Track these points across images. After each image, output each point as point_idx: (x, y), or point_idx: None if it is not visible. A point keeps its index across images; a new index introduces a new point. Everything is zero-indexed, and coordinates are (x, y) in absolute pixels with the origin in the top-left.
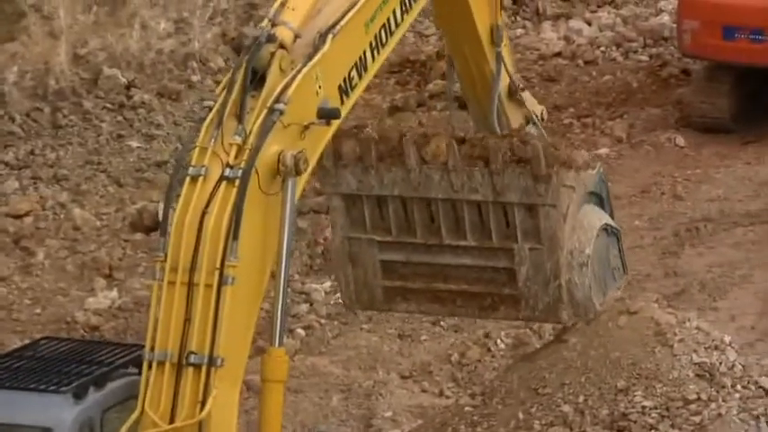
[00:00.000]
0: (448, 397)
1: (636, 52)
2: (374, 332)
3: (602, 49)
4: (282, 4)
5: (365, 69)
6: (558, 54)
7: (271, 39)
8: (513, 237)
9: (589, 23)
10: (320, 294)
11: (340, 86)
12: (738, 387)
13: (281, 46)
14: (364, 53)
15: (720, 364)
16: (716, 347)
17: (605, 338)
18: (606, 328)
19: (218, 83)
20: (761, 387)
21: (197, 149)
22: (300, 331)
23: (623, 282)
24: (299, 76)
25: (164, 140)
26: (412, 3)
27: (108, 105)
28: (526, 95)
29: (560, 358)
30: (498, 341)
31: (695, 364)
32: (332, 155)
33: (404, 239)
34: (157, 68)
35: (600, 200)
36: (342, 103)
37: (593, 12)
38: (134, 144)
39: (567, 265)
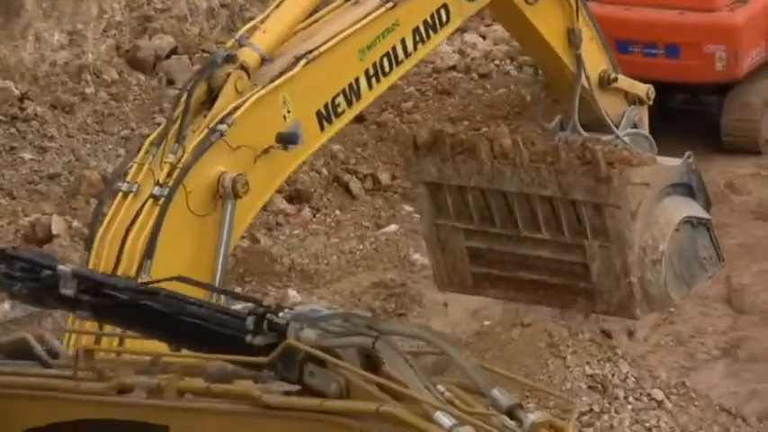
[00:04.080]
0: None
1: (530, 65)
2: None
3: (497, 62)
4: (256, 27)
5: (357, 97)
6: (453, 67)
7: (230, 59)
8: (584, 233)
9: (484, 37)
10: None
11: (319, 112)
12: (631, 399)
13: (243, 67)
14: (357, 80)
15: (613, 375)
16: (608, 359)
17: (499, 350)
18: (499, 340)
19: (111, 95)
20: (653, 399)
21: (135, 166)
22: None
23: (717, 270)
24: (252, 99)
25: (57, 153)
26: (430, 34)
27: (1, 117)
28: (624, 80)
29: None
30: None
31: (588, 375)
32: (411, 144)
33: (486, 229)
34: (51, 80)
35: (690, 190)
36: (322, 129)
37: (487, 25)
38: (27, 156)
39: (639, 263)
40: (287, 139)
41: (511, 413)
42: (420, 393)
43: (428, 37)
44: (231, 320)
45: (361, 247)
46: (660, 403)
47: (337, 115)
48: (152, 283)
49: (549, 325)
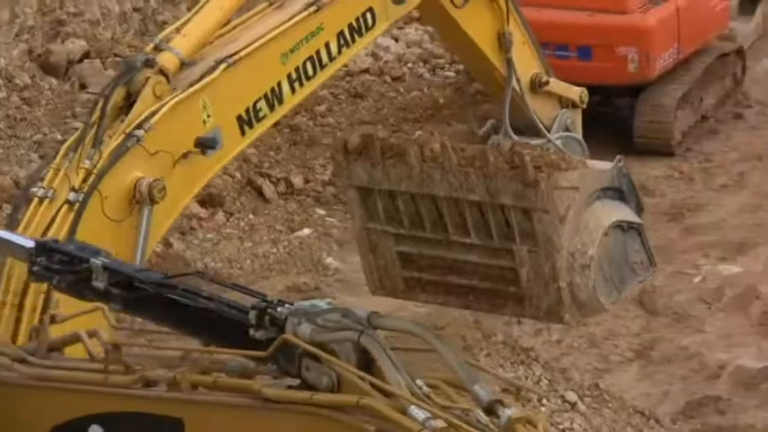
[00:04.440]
0: None
1: (443, 68)
2: None
3: (410, 65)
4: (177, 30)
5: (279, 101)
6: (366, 70)
7: (149, 64)
8: (513, 238)
9: (396, 40)
10: None
11: (240, 117)
12: (544, 401)
13: (162, 72)
14: (279, 85)
15: (527, 378)
16: (522, 362)
17: (412, 353)
18: (412, 344)
19: (23, 99)
20: (567, 401)
21: (51, 171)
22: None
23: (649, 275)
24: (170, 104)
25: None
26: (355, 37)
27: None
28: (556, 83)
29: None
30: None
31: (501, 378)
32: (342, 149)
33: (416, 233)
34: None
35: (620, 194)
36: (243, 134)
37: (400, 28)
38: None
39: (567, 268)
40: (205, 144)
41: (490, 408)
42: (398, 387)
43: (353, 41)
44: (237, 314)
45: (275, 250)
46: (574, 405)
47: (259, 120)
48: (175, 276)
49: (463, 329)
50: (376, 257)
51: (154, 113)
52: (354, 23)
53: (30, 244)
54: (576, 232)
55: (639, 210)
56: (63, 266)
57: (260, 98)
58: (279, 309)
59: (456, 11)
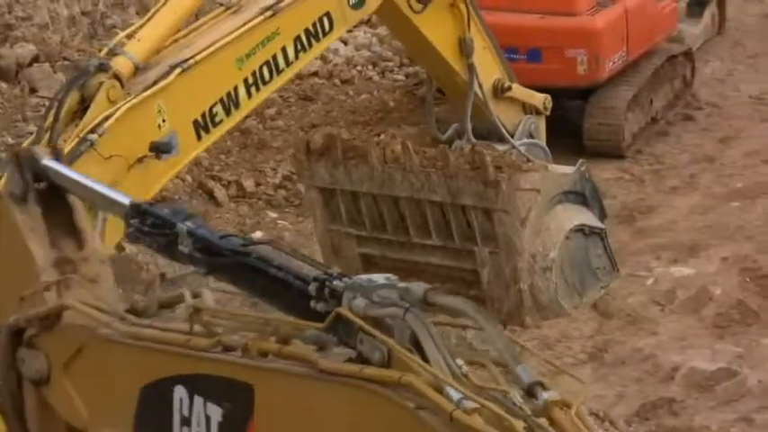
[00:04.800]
0: None
1: (392, 71)
2: None
3: (359, 68)
4: (129, 36)
5: (236, 106)
6: (315, 74)
7: (103, 68)
8: (474, 239)
9: (345, 43)
10: None
11: (196, 121)
12: None
13: (116, 76)
14: (235, 89)
15: None
16: (472, 363)
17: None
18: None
19: None
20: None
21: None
22: None
23: (611, 280)
24: (123, 108)
25: None
26: (312, 42)
27: None
28: (519, 89)
29: None
30: None
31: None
32: (304, 149)
33: (378, 235)
34: None
35: (583, 198)
36: (199, 138)
37: (349, 32)
38: None
39: (528, 270)
40: (160, 149)
41: (530, 390)
42: (437, 366)
43: (310, 45)
44: (302, 285)
45: None
46: None
47: (215, 124)
48: (253, 244)
49: None
50: (338, 259)
51: (107, 118)
52: (311, 28)
53: (127, 202)
54: (536, 234)
55: (603, 215)
56: (154, 229)
57: (216, 103)
58: (336, 282)
59: (415, 16)
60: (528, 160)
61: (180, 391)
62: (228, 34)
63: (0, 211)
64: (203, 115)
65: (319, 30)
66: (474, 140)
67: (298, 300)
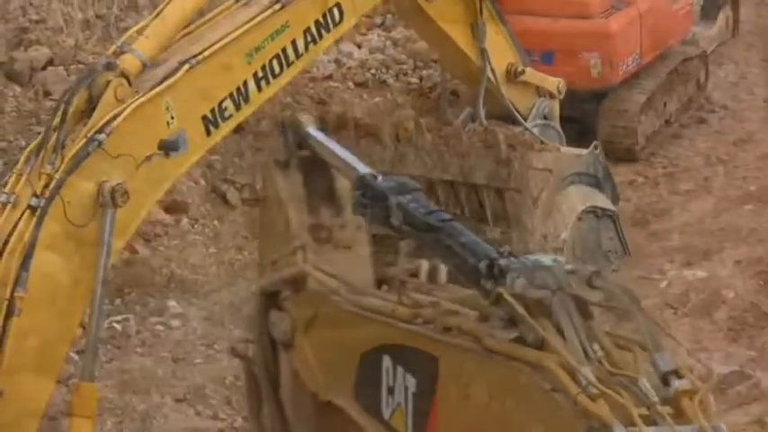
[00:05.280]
0: (222, 419)
1: (406, 74)
2: (148, 356)
3: (373, 71)
4: (139, 32)
5: (246, 100)
6: (329, 77)
7: (110, 66)
8: (486, 219)
9: (359, 46)
10: None
11: (205, 117)
12: None
13: (123, 74)
14: (245, 84)
15: None
16: None
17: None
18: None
19: None
20: None
21: (13, 176)
22: (73, 355)
23: (622, 263)
24: (131, 107)
25: None
26: (322, 33)
27: None
28: (532, 73)
29: None
30: None
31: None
32: (318, 122)
33: None
34: None
35: (596, 181)
36: (208, 134)
37: (363, 35)
38: None
39: (540, 250)
40: (169, 147)
41: (665, 378)
42: (574, 350)
43: (320, 37)
44: (476, 263)
45: (240, 257)
46: None
47: (225, 119)
48: (449, 221)
49: None
50: None
51: (115, 117)
52: (321, 20)
53: (364, 171)
54: (548, 215)
55: (615, 198)
56: (373, 202)
57: (225, 97)
58: (502, 262)
59: (427, 4)
60: (541, 141)
61: (387, 361)
62: (237, 28)
63: (264, 176)
64: (212, 111)
65: (330, 21)
66: (486, 124)
67: (473, 276)
